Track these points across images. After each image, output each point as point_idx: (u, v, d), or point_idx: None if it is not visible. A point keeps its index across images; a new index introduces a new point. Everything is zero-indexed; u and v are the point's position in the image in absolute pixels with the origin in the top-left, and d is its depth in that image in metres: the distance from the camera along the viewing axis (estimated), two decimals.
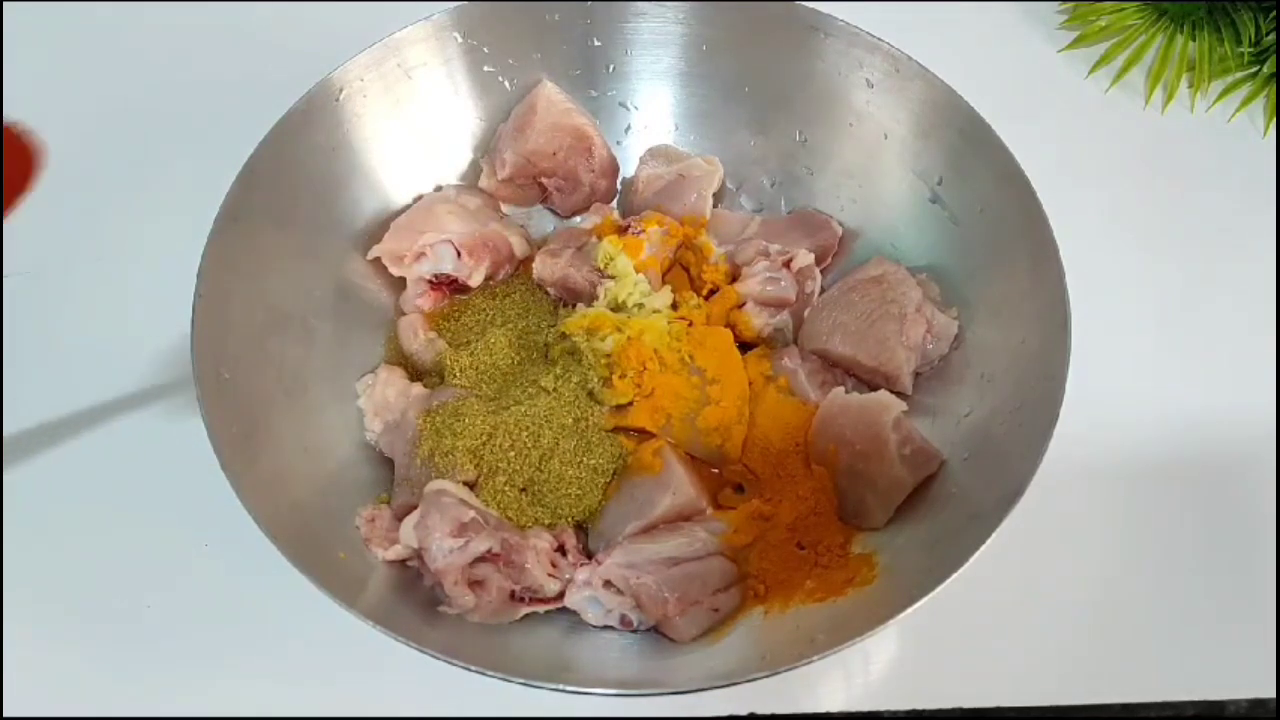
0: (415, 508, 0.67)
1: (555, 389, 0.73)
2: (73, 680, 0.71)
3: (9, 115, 0.94)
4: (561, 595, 0.67)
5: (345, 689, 0.71)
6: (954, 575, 0.59)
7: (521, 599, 0.67)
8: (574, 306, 0.78)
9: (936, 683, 0.71)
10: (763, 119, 0.84)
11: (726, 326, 0.77)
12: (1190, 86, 0.97)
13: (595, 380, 0.73)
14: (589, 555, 0.70)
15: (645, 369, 0.73)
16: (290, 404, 0.71)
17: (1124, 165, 0.94)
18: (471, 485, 0.71)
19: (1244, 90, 0.95)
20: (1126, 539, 0.77)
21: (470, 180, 0.84)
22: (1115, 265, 0.87)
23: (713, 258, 0.80)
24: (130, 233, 0.89)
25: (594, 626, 0.67)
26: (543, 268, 0.80)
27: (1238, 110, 0.95)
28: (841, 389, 0.75)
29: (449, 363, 0.76)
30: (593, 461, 0.72)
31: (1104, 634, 0.73)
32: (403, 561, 0.68)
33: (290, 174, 0.74)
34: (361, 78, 0.77)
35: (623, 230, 0.79)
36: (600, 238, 0.79)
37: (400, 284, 0.80)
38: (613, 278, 0.77)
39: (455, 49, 0.81)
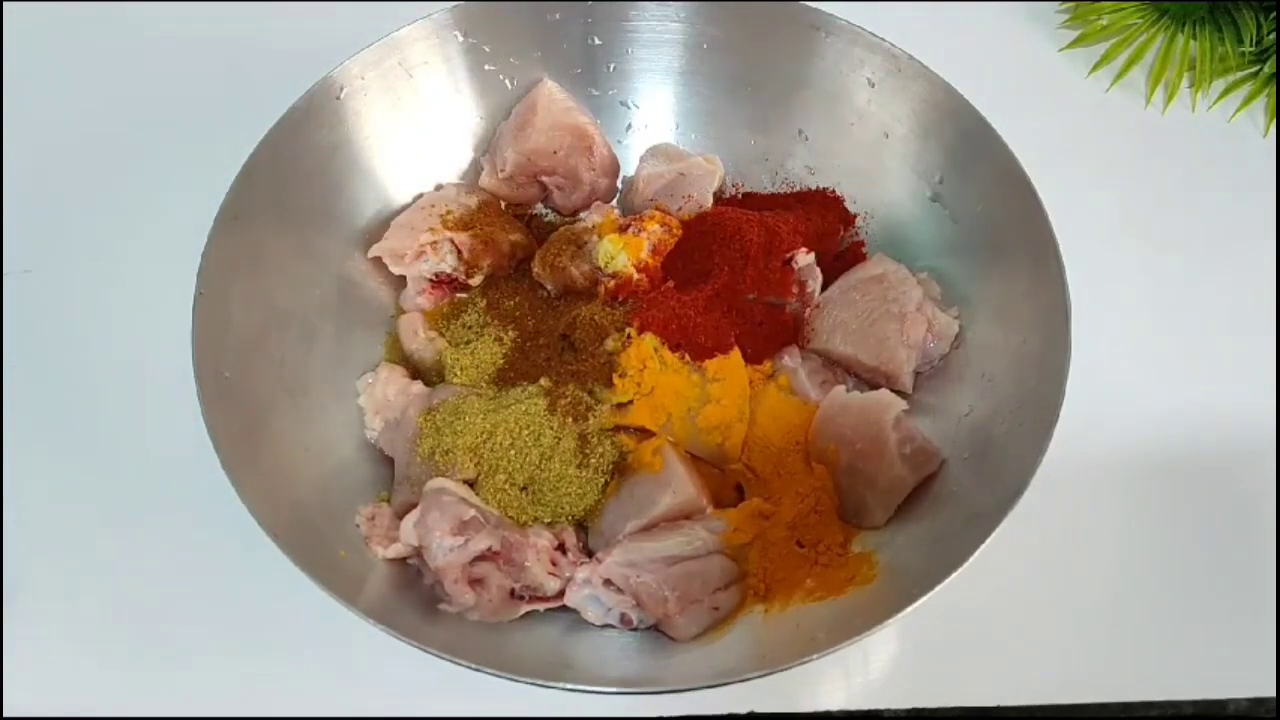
0: (415, 506, 0.67)
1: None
2: (73, 680, 0.71)
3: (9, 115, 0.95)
4: (562, 594, 0.67)
5: (345, 688, 0.70)
6: (954, 575, 0.59)
7: (522, 597, 0.67)
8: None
9: (936, 682, 0.71)
10: (764, 118, 0.84)
11: None
12: (1191, 86, 0.97)
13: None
14: (589, 554, 0.70)
15: (645, 367, 0.73)
16: (290, 403, 0.71)
17: (1124, 165, 0.94)
18: (472, 483, 0.71)
19: (1245, 90, 0.95)
20: (1126, 538, 0.77)
21: (471, 179, 0.84)
22: (1115, 265, 0.87)
23: None
24: (130, 232, 0.89)
25: (594, 625, 0.67)
26: (543, 267, 0.80)
27: (1238, 110, 0.95)
28: (842, 388, 0.75)
29: (449, 361, 0.76)
30: (593, 460, 0.72)
31: (1104, 634, 0.73)
32: (403, 560, 0.68)
33: (290, 173, 0.74)
34: (362, 76, 0.77)
35: (624, 229, 0.79)
36: (601, 236, 0.79)
37: (400, 283, 0.80)
38: (613, 276, 0.77)
39: (456, 48, 0.81)
